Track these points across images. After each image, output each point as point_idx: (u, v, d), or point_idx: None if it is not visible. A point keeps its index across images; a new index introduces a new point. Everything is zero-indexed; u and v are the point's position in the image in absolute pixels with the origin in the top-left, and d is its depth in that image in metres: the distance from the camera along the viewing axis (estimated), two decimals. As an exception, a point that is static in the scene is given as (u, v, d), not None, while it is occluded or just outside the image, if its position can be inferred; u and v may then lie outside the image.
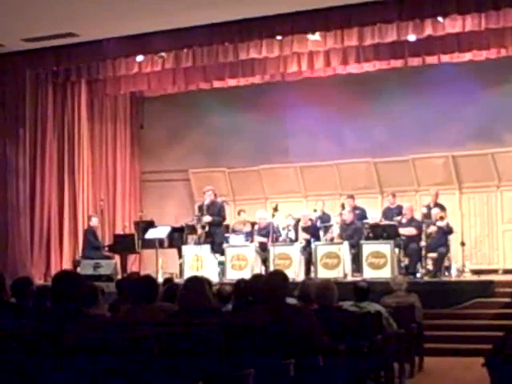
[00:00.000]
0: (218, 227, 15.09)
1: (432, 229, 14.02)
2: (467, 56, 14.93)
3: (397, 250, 13.87)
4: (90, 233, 15.90)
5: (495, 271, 15.19)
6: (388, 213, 15.05)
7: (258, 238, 14.85)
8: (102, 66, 15.87)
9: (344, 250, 13.88)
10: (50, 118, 16.69)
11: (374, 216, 14.87)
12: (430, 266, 13.85)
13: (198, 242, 14.78)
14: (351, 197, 15.51)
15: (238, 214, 16.28)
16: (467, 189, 16.20)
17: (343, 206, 14.80)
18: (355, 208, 15.28)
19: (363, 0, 13.26)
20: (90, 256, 15.40)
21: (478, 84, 15.79)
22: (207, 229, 14.87)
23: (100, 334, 4.95)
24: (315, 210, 15.47)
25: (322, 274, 13.62)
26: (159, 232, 15.39)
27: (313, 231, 14.74)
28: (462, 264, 14.37)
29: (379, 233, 14.12)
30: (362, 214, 15.17)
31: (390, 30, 13.68)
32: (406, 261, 14.05)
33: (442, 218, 14.05)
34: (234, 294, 7.79)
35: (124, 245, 15.80)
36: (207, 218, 14.89)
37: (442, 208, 14.59)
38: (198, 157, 18.15)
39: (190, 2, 13.09)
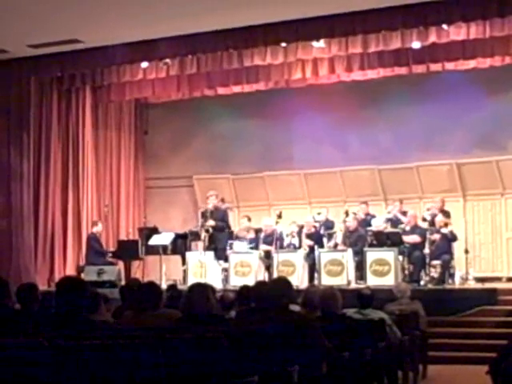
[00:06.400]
0: (221, 233, 15.10)
1: (436, 236, 14.01)
2: (472, 63, 14.94)
3: (400, 258, 13.85)
4: (93, 239, 15.91)
5: (499, 279, 15.17)
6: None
7: (262, 246, 14.81)
8: (107, 72, 15.91)
9: (348, 257, 13.87)
10: (54, 124, 16.72)
11: (378, 223, 14.85)
12: (434, 274, 13.83)
13: (205, 248, 14.80)
14: (365, 203, 15.58)
15: (243, 220, 16.26)
16: (471, 196, 16.18)
17: (347, 213, 14.79)
18: (367, 214, 15.31)
19: (368, 7, 13.29)
20: (94, 262, 15.41)
21: (482, 91, 15.77)
22: (211, 231, 14.90)
23: (103, 340, 4.96)
24: (319, 213, 15.50)
25: (326, 281, 13.60)
26: (163, 238, 15.39)
27: (316, 238, 14.73)
28: (465, 271, 14.34)
29: (383, 240, 14.10)
30: (367, 221, 15.16)
31: (395, 38, 13.70)
32: (409, 268, 14.03)
33: (446, 225, 14.04)
34: (238, 301, 7.79)
35: (128, 251, 15.78)
36: (211, 222, 14.91)
37: (447, 215, 14.57)
38: (202, 163, 18.15)
39: (194, 8, 13.12)
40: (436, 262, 13.81)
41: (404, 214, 14.95)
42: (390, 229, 14.73)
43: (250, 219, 16.01)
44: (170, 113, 18.32)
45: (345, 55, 14.71)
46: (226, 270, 14.60)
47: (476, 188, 16.04)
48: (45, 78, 16.48)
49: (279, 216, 14.46)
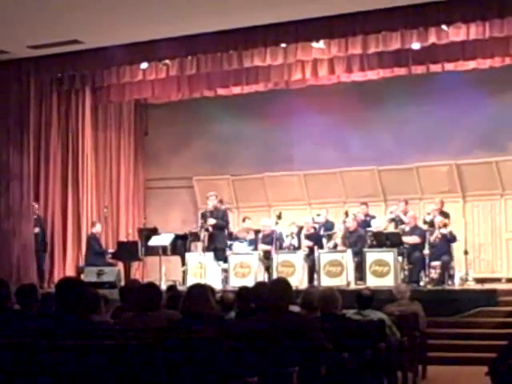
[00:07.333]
0: (221, 232, 15.10)
1: (436, 234, 13.98)
2: (471, 64, 14.93)
3: (400, 258, 13.85)
4: (93, 239, 15.92)
5: (498, 280, 15.17)
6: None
7: (261, 246, 14.83)
8: (107, 73, 15.91)
9: (347, 258, 13.87)
10: (54, 125, 16.72)
11: (379, 224, 14.85)
12: (434, 275, 13.83)
13: (204, 248, 14.79)
14: (365, 204, 15.59)
15: (243, 220, 16.27)
16: (471, 197, 16.18)
17: (347, 214, 14.80)
18: (367, 215, 15.31)
19: (367, 8, 13.28)
20: (94, 263, 15.41)
21: (482, 92, 15.77)
22: (211, 230, 14.90)
23: (103, 341, 4.95)
24: (319, 215, 15.50)
25: (326, 281, 13.61)
26: (162, 239, 15.39)
27: (316, 239, 14.73)
28: (465, 272, 14.33)
29: (382, 241, 14.11)
30: (367, 222, 15.15)
31: (394, 38, 13.69)
32: (409, 269, 14.02)
33: (445, 226, 14.04)
34: (237, 302, 7.79)
35: (127, 252, 15.78)
36: (211, 221, 14.92)
37: (446, 215, 14.56)
38: (202, 164, 18.15)
39: (194, 9, 13.12)
40: (436, 263, 13.80)
41: (406, 214, 14.94)
42: (391, 229, 14.75)
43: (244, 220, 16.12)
44: (169, 114, 18.31)
45: (344, 56, 14.70)
46: (225, 270, 14.59)
47: (476, 189, 16.04)
48: (45, 79, 16.46)
49: (279, 217, 14.46)
